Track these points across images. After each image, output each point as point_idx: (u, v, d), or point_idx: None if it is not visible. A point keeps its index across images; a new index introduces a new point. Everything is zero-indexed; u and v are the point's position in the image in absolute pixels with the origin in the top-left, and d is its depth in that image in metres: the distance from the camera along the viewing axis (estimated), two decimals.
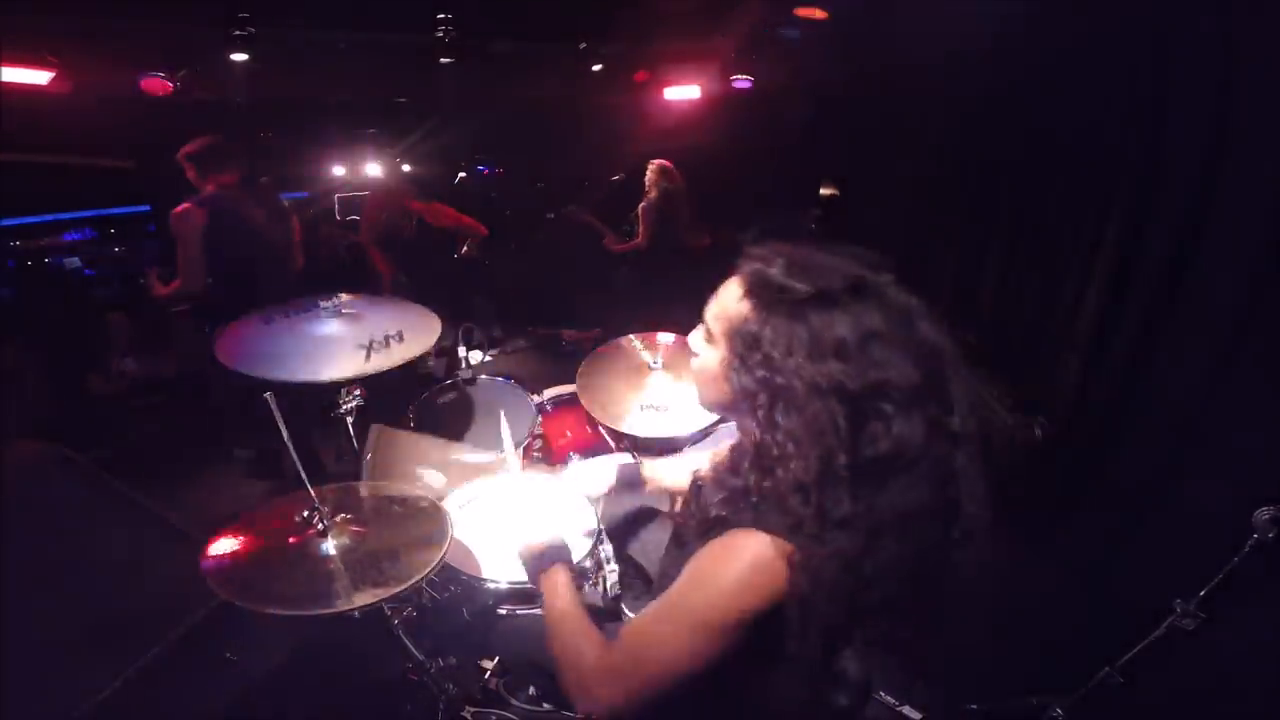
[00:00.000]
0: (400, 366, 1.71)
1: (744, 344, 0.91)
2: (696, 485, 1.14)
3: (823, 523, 0.84)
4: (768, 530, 0.87)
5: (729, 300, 0.96)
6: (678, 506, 1.62)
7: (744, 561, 0.87)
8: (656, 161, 4.20)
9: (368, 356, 1.68)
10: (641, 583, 1.76)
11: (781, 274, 0.90)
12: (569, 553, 1.23)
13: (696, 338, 1.04)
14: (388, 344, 1.73)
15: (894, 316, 0.88)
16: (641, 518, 1.88)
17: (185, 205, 2.64)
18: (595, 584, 1.84)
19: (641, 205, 4.23)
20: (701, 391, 1.05)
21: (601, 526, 1.83)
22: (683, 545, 1.10)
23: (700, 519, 1.03)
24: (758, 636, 0.88)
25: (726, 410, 1.05)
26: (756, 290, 0.92)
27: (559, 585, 1.12)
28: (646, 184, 4.20)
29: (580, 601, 1.08)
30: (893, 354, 0.85)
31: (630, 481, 1.53)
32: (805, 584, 0.84)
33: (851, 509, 0.84)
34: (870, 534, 0.84)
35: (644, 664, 0.91)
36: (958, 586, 0.97)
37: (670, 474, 1.54)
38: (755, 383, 0.89)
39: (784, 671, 0.94)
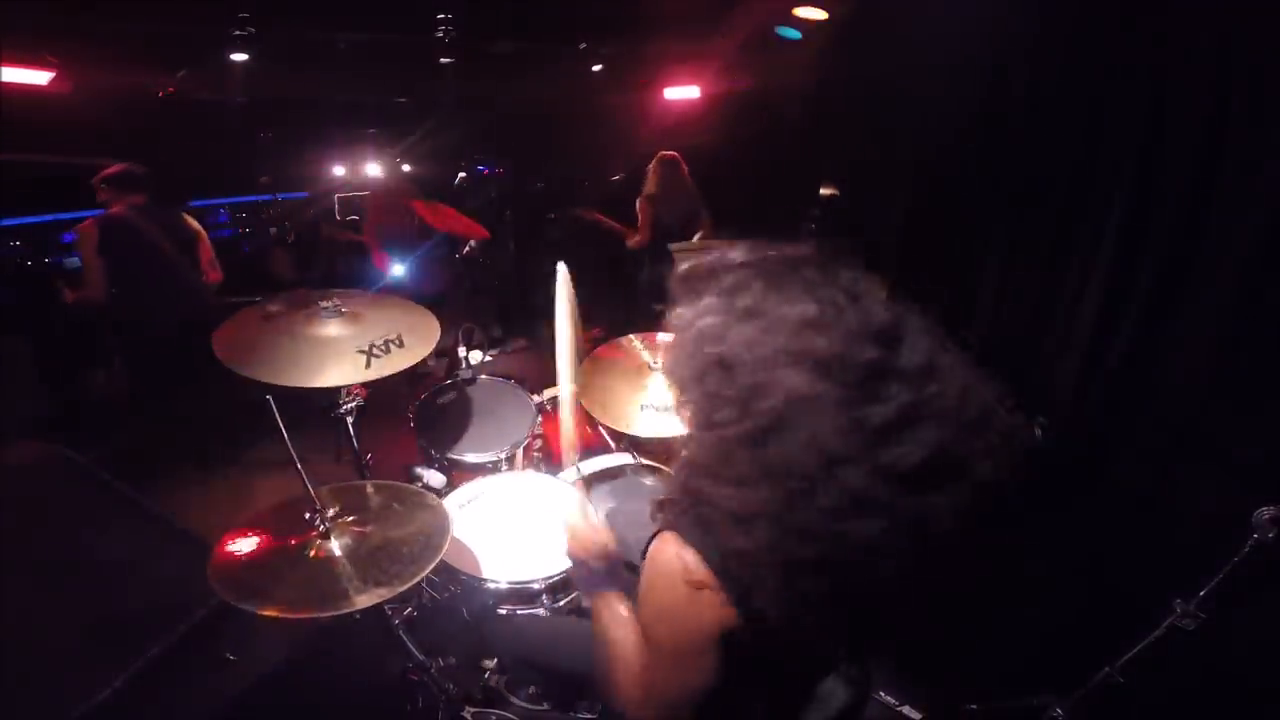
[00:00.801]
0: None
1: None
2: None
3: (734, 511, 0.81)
4: (680, 532, 0.87)
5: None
6: None
7: (679, 584, 0.84)
8: (662, 153, 4.18)
9: (368, 364, 1.67)
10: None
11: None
12: (627, 581, 1.15)
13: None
14: (388, 349, 1.73)
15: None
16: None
17: (86, 222, 3.04)
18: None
19: (639, 199, 4.21)
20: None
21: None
22: None
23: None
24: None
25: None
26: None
27: (616, 608, 1.09)
28: (647, 174, 4.19)
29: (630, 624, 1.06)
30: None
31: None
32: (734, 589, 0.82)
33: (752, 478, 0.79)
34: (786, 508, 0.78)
35: (663, 698, 0.93)
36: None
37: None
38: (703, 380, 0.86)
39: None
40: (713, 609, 0.83)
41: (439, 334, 1.89)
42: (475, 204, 4.81)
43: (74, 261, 4.57)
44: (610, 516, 1.90)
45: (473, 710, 1.78)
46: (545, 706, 1.75)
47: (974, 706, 1.96)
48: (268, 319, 1.75)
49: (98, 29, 2.87)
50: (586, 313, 2.08)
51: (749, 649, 0.86)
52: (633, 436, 2.15)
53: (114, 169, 3.11)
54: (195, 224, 3.45)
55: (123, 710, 1.61)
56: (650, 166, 4.17)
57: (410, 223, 3.84)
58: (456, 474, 2.24)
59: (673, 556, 0.86)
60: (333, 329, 1.76)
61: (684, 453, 0.92)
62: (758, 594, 0.80)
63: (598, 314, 4.39)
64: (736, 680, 0.88)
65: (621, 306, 4.13)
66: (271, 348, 1.67)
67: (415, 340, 1.81)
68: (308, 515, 1.46)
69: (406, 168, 4.99)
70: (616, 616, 1.08)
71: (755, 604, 0.81)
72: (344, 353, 1.70)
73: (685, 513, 0.88)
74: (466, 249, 4.10)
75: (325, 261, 5.29)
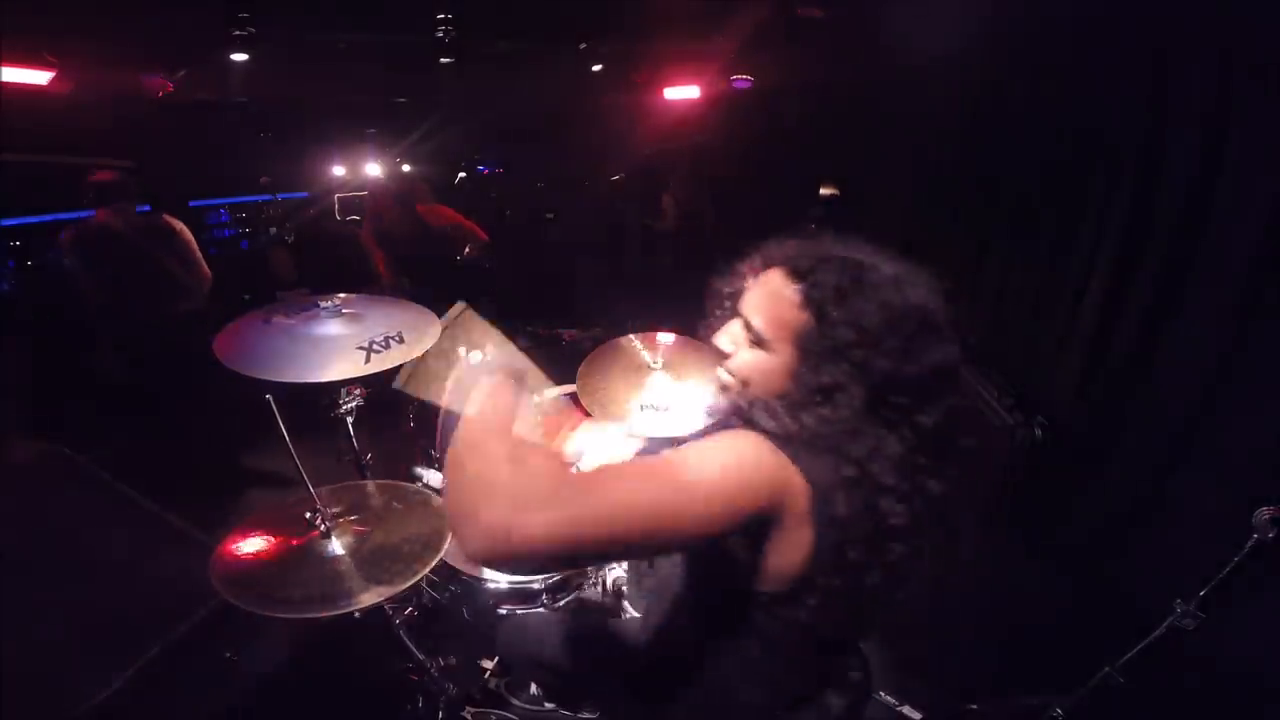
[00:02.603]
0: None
1: (818, 342, 0.93)
2: None
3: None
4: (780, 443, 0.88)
5: (784, 305, 0.97)
6: None
7: (754, 450, 0.86)
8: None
9: (367, 359, 1.67)
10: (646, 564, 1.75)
11: (827, 269, 0.97)
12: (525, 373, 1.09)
13: (731, 341, 1.04)
14: (388, 345, 1.72)
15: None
16: None
17: (69, 227, 3.10)
18: (595, 583, 1.85)
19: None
20: (746, 390, 1.01)
21: None
22: None
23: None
24: (753, 544, 0.88)
25: (761, 409, 0.99)
26: (813, 288, 0.95)
27: (501, 392, 0.99)
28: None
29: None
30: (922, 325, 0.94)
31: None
32: (825, 494, 0.85)
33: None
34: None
35: (595, 495, 0.78)
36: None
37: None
38: (838, 374, 0.91)
39: (801, 602, 0.91)
40: (785, 476, 0.85)
41: (439, 331, 1.88)
42: (474, 204, 4.80)
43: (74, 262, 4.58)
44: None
45: (473, 710, 1.78)
46: (546, 706, 1.75)
47: (974, 706, 1.96)
48: (269, 323, 1.75)
49: (98, 29, 2.87)
50: (584, 313, 2.07)
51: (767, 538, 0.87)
52: None
53: (100, 177, 3.19)
54: (176, 223, 3.51)
55: (123, 710, 1.61)
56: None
57: (410, 225, 3.83)
58: None
59: (762, 440, 0.88)
60: (333, 328, 1.76)
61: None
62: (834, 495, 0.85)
63: (596, 314, 4.40)
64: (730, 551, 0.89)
65: (622, 301, 4.13)
66: (272, 347, 1.67)
67: (415, 337, 1.81)
68: (308, 515, 1.46)
69: (406, 168, 5.00)
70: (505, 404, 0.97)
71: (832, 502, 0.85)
72: (344, 349, 1.70)
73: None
74: (467, 250, 4.10)
75: (329, 261, 5.29)
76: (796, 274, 0.98)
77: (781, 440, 0.89)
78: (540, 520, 0.73)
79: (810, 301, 0.95)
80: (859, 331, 0.90)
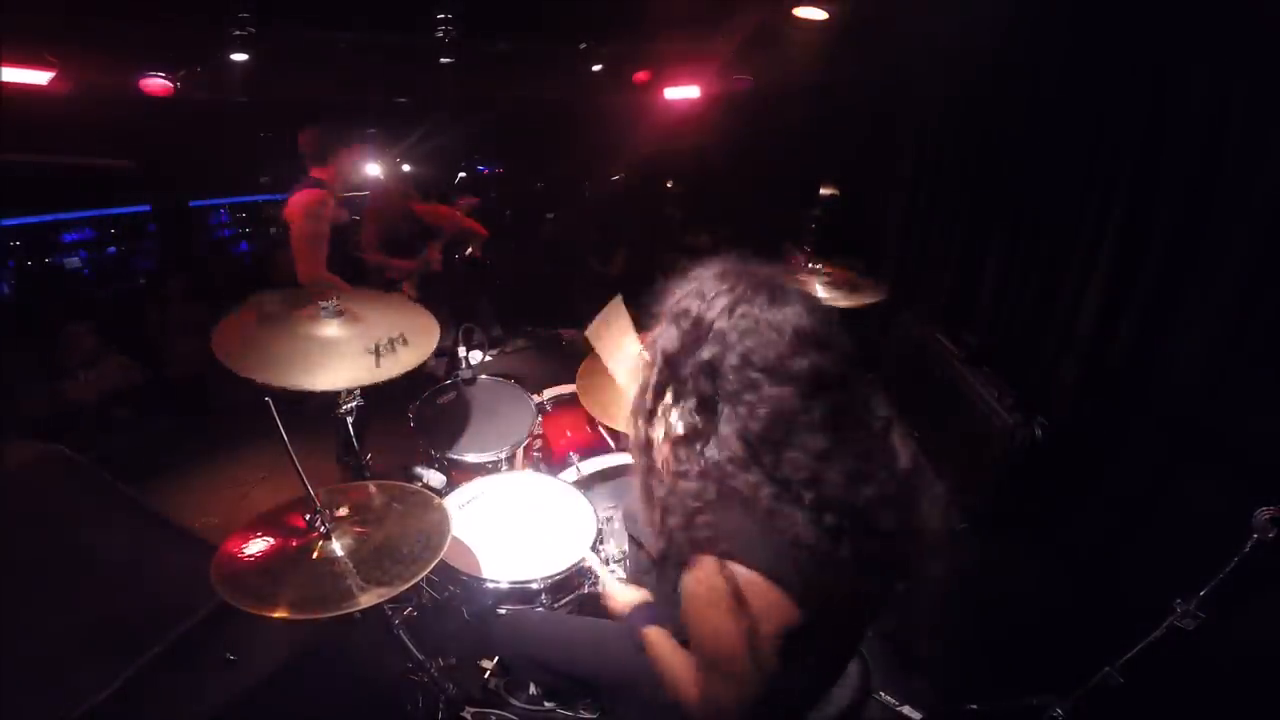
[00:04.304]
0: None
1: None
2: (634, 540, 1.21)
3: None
4: (732, 557, 0.90)
5: None
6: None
7: (729, 603, 0.89)
8: None
9: (377, 362, 1.67)
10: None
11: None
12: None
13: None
14: (393, 348, 1.72)
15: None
16: None
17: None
18: (596, 582, 1.85)
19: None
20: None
21: (600, 528, 1.83)
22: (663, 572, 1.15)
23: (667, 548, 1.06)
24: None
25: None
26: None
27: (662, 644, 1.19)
28: None
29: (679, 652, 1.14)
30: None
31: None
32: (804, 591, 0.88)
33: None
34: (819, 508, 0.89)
35: (721, 706, 0.96)
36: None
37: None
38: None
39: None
40: (774, 611, 0.88)
41: (439, 331, 1.88)
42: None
43: (74, 262, 4.59)
44: (613, 518, 1.91)
45: (473, 710, 1.78)
46: (545, 706, 1.75)
47: (974, 706, 1.96)
48: (264, 319, 1.74)
49: (98, 29, 2.87)
50: (584, 313, 2.08)
51: (805, 638, 0.90)
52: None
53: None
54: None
55: (123, 710, 1.61)
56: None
57: (408, 225, 3.82)
58: (456, 474, 2.24)
59: (717, 578, 0.90)
60: (332, 329, 1.76)
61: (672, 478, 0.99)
62: (809, 573, 0.88)
63: (596, 313, 4.39)
64: (789, 673, 0.92)
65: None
66: (272, 348, 1.66)
67: (418, 338, 1.81)
68: (308, 516, 1.46)
69: (406, 168, 4.99)
70: (666, 642, 1.17)
71: (811, 584, 0.88)
72: (350, 353, 1.70)
73: (714, 531, 0.93)
74: (468, 251, 4.09)
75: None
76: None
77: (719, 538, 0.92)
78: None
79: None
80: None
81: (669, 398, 1.00)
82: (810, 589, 0.88)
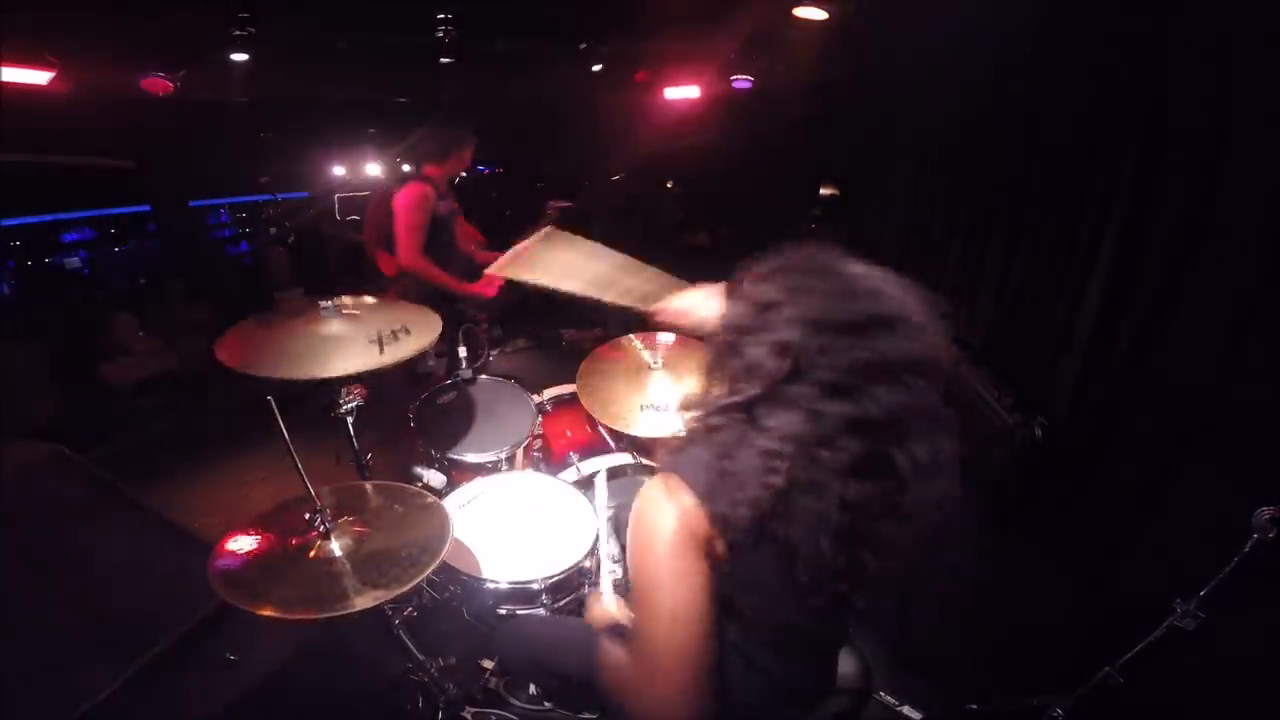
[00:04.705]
0: (402, 364, 1.71)
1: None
2: None
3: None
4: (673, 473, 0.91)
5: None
6: None
7: (668, 536, 0.89)
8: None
9: (380, 349, 1.67)
10: None
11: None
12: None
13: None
14: (395, 338, 1.73)
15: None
16: None
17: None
18: (596, 583, 1.85)
19: None
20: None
21: (600, 529, 1.83)
22: None
23: None
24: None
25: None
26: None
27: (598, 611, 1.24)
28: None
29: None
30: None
31: None
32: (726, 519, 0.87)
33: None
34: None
35: (668, 669, 0.93)
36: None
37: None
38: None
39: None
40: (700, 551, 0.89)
41: (440, 324, 1.89)
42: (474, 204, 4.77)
43: (74, 262, 4.60)
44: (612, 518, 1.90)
45: (473, 710, 1.78)
46: (545, 706, 1.75)
47: (974, 706, 1.96)
48: (267, 326, 1.75)
49: (98, 29, 2.87)
50: (583, 313, 2.07)
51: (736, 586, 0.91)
52: (633, 436, 2.14)
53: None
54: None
55: (123, 710, 1.62)
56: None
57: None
58: (456, 474, 2.24)
59: (667, 497, 0.90)
60: (335, 327, 1.76)
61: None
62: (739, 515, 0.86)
63: (596, 314, 4.40)
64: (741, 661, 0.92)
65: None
66: (279, 348, 1.67)
67: (420, 329, 1.81)
68: (308, 515, 1.46)
69: (406, 167, 5.00)
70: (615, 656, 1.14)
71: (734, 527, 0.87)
72: (354, 344, 1.70)
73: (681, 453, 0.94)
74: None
75: (330, 262, 5.29)
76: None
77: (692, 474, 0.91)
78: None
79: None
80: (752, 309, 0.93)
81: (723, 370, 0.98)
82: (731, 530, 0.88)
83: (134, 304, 4.49)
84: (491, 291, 3.09)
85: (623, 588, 1.67)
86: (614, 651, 1.12)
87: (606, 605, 1.35)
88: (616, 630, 1.22)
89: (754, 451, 0.87)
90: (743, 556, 0.90)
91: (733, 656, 1.00)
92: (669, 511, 0.90)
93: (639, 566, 0.93)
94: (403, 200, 2.86)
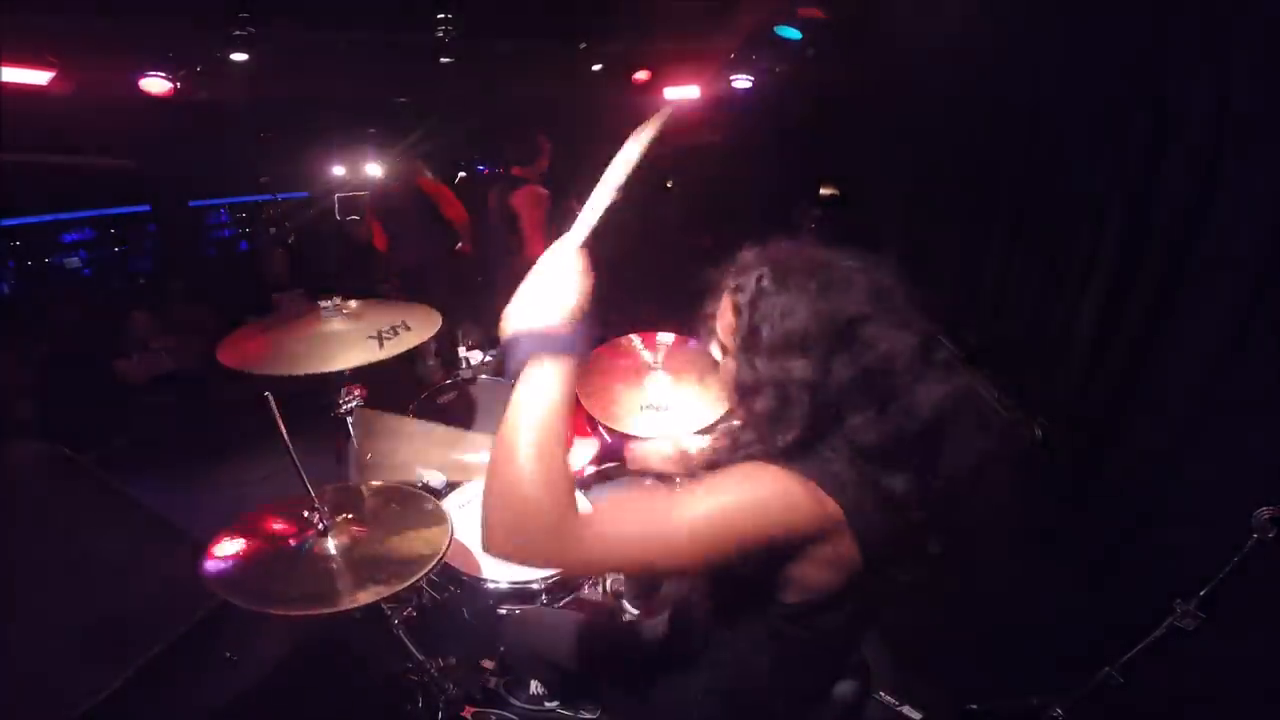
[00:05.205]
0: (401, 363, 1.71)
1: (745, 341, 0.96)
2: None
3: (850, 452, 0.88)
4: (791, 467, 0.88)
5: (726, 312, 1.02)
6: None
7: (776, 485, 0.86)
8: None
9: (380, 344, 1.68)
10: None
11: (754, 272, 0.98)
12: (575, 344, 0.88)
13: (718, 350, 1.08)
14: (395, 333, 1.73)
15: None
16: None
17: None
18: (595, 582, 1.85)
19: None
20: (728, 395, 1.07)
21: None
22: None
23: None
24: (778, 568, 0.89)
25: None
26: (737, 291, 0.99)
27: (558, 374, 0.84)
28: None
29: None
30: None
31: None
32: (856, 512, 0.87)
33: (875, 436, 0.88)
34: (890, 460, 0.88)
35: (628, 528, 0.84)
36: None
37: (655, 453, 1.59)
38: (773, 370, 0.92)
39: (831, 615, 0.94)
40: (821, 511, 0.86)
41: (439, 319, 1.89)
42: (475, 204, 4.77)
43: (74, 262, 4.60)
44: None
45: (473, 710, 1.78)
46: (545, 706, 1.75)
47: (974, 706, 1.96)
48: (269, 330, 1.76)
49: (98, 29, 2.87)
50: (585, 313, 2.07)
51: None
52: (632, 436, 2.14)
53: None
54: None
55: (123, 710, 1.62)
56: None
57: (413, 202, 3.80)
58: (456, 474, 2.24)
59: (777, 470, 0.88)
60: (336, 325, 1.77)
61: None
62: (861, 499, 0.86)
63: (596, 313, 4.39)
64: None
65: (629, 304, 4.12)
66: (281, 348, 1.67)
67: (419, 325, 1.82)
68: (307, 515, 1.46)
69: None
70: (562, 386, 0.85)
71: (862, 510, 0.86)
72: (355, 340, 1.71)
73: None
74: (459, 246, 4.05)
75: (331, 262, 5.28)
76: (733, 279, 1.01)
77: (785, 459, 0.90)
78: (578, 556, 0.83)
79: (736, 305, 0.98)
80: (776, 327, 0.91)
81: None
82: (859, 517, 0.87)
83: (135, 304, 4.50)
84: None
85: None
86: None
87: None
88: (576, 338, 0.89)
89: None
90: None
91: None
92: (787, 480, 0.87)
93: (715, 485, 0.88)
94: (526, 201, 3.24)
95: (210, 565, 1.33)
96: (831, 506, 0.86)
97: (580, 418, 2.46)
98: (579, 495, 2.00)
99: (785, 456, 0.90)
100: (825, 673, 1.14)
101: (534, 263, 0.90)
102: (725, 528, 0.84)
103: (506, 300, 0.89)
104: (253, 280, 5.23)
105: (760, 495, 0.86)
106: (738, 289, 0.98)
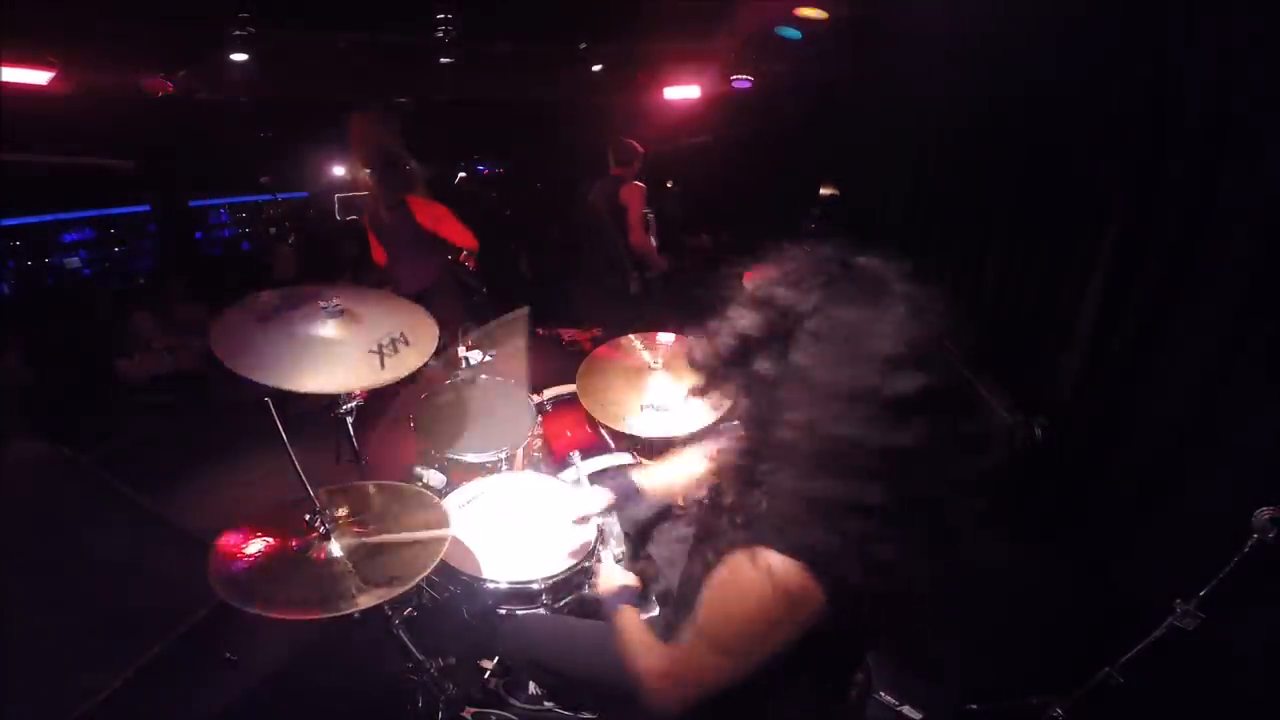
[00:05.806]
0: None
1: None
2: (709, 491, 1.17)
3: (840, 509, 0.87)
4: (780, 549, 0.89)
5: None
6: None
7: (766, 594, 0.88)
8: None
9: (382, 364, 1.66)
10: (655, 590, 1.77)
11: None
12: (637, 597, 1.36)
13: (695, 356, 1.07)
14: (395, 349, 1.71)
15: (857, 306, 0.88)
16: (656, 518, 1.90)
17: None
18: (594, 582, 1.84)
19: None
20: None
21: (600, 528, 1.83)
22: (702, 547, 1.13)
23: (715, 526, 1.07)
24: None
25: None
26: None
27: (629, 620, 1.24)
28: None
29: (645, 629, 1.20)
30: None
31: (627, 494, 1.58)
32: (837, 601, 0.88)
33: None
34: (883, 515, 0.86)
35: (691, 684, 1.02)
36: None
37: (667, 479, 1.57)
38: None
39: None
40: (807, 606, 0.88)
41: (436, 329, 1.87)
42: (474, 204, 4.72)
43: (74, 262, 4.60)
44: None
45: (473, 710, 1.78)
46: (545, 706, 1.75)
47: (974, 706, 1.96)
48: (263, 320, 1.73)
49: (98, 29, 2.87)
50: (584, 313, 2.07)
51: (824, 638, 0.91)
52: (632, 436, 2.14)
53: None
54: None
55: (123, 710, 1.62)
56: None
57: (403, 218, 3.65)
58: (456, 474, 2.24)
59: (758, 570, 0.89)
60: (332, 328, 1.74)
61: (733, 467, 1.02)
62: (845, 569, 0.86)
63: (596, 314, 4.40)
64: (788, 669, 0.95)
65: (625, 306, 4.10)
66: (275, 349, 1.64)
67: (419, 337, 1.80)
68: (307, 516, 1.45)
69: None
70: (635, 620, 1.23)
71: (845, 582, 0.87)
72: (354, 354, 1.68)
73: (756, 524, 0.94)
74: (462, 255, 3.91)
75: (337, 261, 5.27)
76: (739, 333, 0.97)
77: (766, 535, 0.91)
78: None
79: (744, 385, 0.98)
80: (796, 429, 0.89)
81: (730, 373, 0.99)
82: (841, 587, 0.87)
83: (135, 304, 4.50)
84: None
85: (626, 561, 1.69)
86: (631, 617, 1.22)
87: (610, 574, 1.41)
88: (627, 595, 1.31)
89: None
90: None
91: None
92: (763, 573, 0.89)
93: (723, 616, 0.96)
94: (632, 195, 3.74)
95: (212, 568, 1.33)
96: (815, 591, 0.88)
97: (580, 417, 2.47)
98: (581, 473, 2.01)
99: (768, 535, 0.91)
100: (825, 676, 1.14)
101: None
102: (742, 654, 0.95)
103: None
104: (256, 280, 5.23)
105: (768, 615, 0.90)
106: (745, 353, 0.95)
